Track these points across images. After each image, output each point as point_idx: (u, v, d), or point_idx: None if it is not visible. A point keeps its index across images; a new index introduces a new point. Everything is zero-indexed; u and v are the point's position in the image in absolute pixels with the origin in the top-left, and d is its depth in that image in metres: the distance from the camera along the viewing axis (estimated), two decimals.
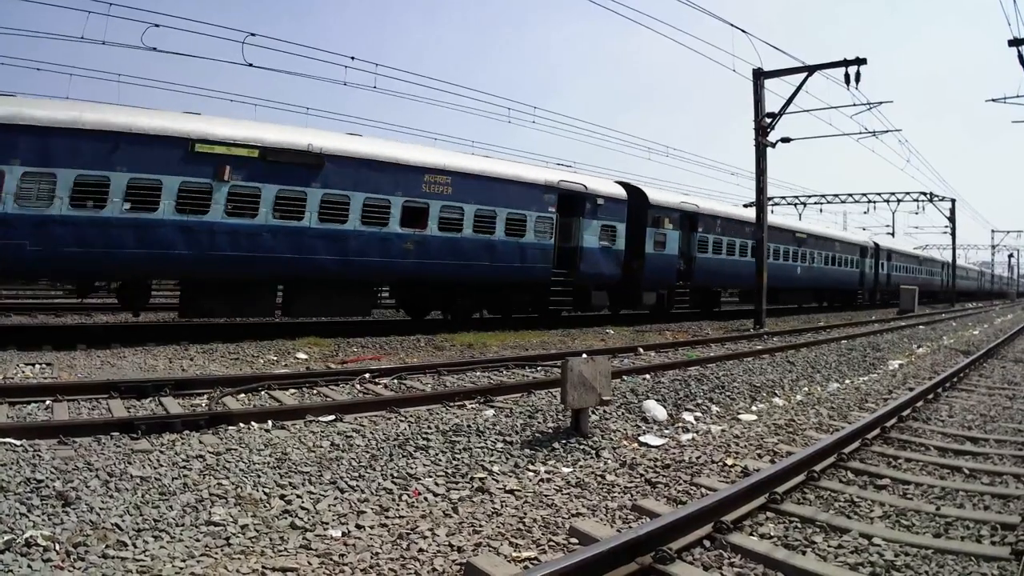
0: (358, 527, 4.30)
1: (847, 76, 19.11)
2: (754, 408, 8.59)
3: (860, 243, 38.66)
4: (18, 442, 5.56)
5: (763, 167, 21.37)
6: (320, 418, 7.01)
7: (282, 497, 4.74)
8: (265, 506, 4.59)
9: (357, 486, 5.06)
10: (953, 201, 47.05)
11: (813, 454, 5.56)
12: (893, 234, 51.91)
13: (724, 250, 24.85)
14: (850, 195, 45.81)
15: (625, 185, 21.51)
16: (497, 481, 5.34)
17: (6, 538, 3.71)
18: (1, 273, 12.36)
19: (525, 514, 4.56)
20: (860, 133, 24.09)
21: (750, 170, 21.98)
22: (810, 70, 19.89)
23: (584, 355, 8.66)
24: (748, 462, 5.93)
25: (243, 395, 8.16)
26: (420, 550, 3.92)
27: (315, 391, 8.69)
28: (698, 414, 7.97)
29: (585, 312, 20.61)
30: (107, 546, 3.79)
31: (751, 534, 4.26)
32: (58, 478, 4.73)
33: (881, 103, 21.47)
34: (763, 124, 21.01)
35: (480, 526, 4.34)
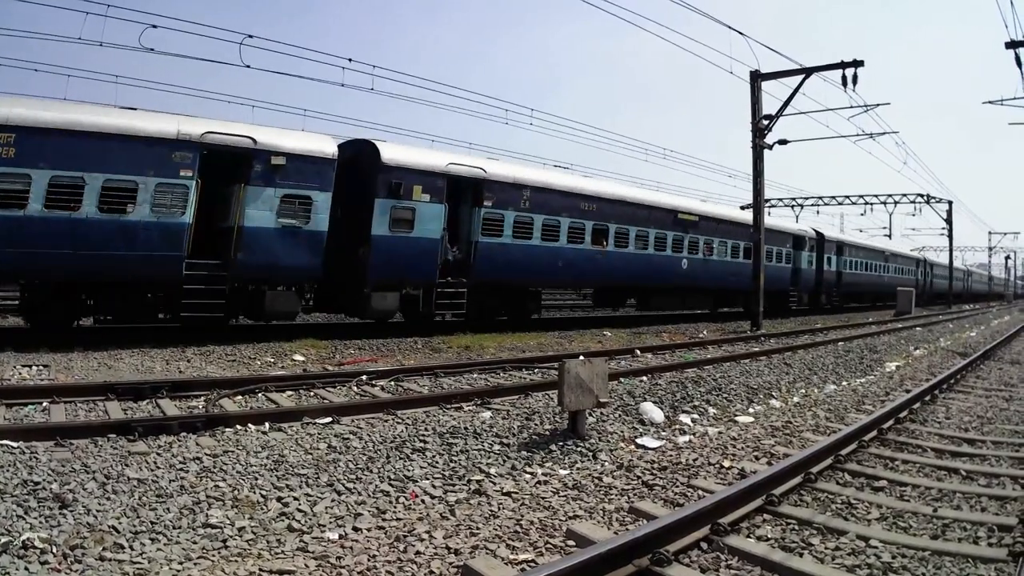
0: (355, 529, 4.30)
1: (844, 78, 19.20)
2: (751, 410, 8.60)
3: (794, 232, 31.27)
4: (15, 444, 5.55)
5: (760, 169, 21.43)
6: (317, 420, 7.00)
7: (279, 499, 4.73)
8: (262, 508, 4.59)
9: (354, 488, 5.06)
10: (950, 203, 47.15)
11: (810, 456, 5.56)
12: (890, 236, 51.98)
13: (537, 234, 17.93)
14: (847, 197, 45.90)
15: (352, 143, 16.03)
16: (494, 483, 5.34)
17: (3, 540, 3.71)
18: None
19: (522, 516, 4.56)
20: (857, 135, 24.19)
21: (747, 172, 22.01)
22: (807, 72, 19.94)
23: (581, 357, 8.67)
24: (745, 464, 5.93)
25: (240, 397, 8.15)
26: (417, 552, 3.92)
27: (312, 393, 8.69)
28: (695, 416, 7.98)
29: (260, 321, 14.63)
30: (104, 548, 3.78)
31: (748, 536, 4.26)
32: (55, 480, 4.73)
33: (878, 105, 21.56)
34: (760, 126, 21.06)
35: (477, 528, 4.34)
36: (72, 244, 11.36)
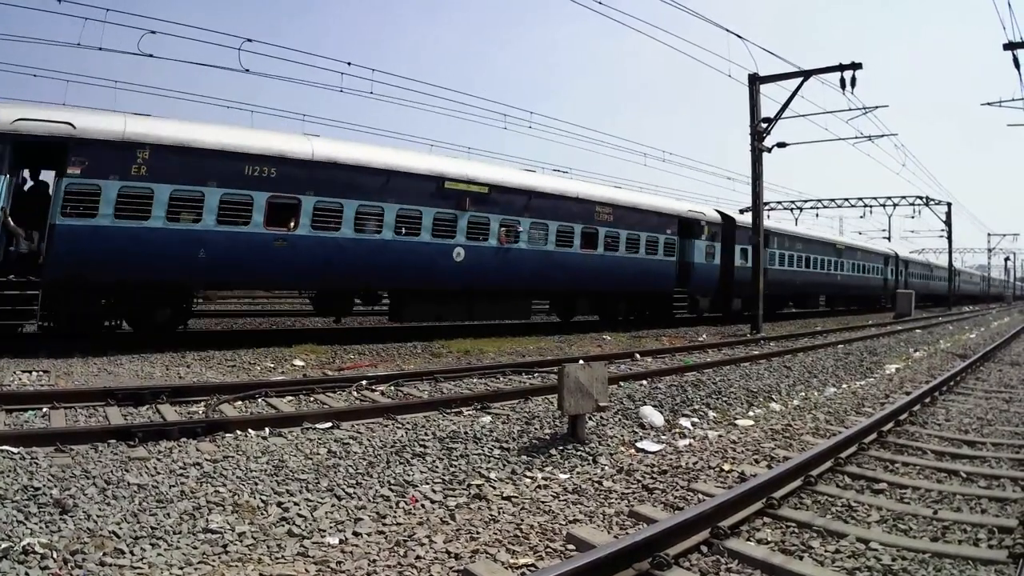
0: (355, 534, 4.30)
1: (843, 81, 19.26)
2: (751, 413, 8.61)
3: (680, 214, 23.16)
4: (15, 449, 5.56)
5: (759, 172, 21.46)
6: (317, 425, 7.00)
7: (279, 504, 4.73)
8: (262, 513, 4.59)
9: (354, 493, 5.06)
10: (949, 205, 47.19)
11: (810, 459, 5.57)
12: (889, 238, 51.86)
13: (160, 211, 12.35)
14: (846, 199, 45.94)
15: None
16: (494, 488, 5.34)
17: (3, 546, 3.71)
18: None
19: (522, 521, 4.56)
20: (856, 137, 24.23)
21: (746, 174, 22.02)
22: (806, 75, 19.99)
23: (581, 361, 8.68)
24: (745, 467, 5.93)
25: (240, 402, 8.15)
26: (417, 557, 3.92)
27: (312, 398, 8.69)
28: (695, 419, 7.98)
29: None
30: (104, 554, 3.78)
31: (748, 539, 4.26)
32: (55, 486, 4.73)
33: (877, 107, 21.60)
34: (759, 129, 21.10)
35: (477, 533, 4.34)
36: None
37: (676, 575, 3.65)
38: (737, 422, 8.02)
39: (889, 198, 44.86)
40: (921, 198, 44.06)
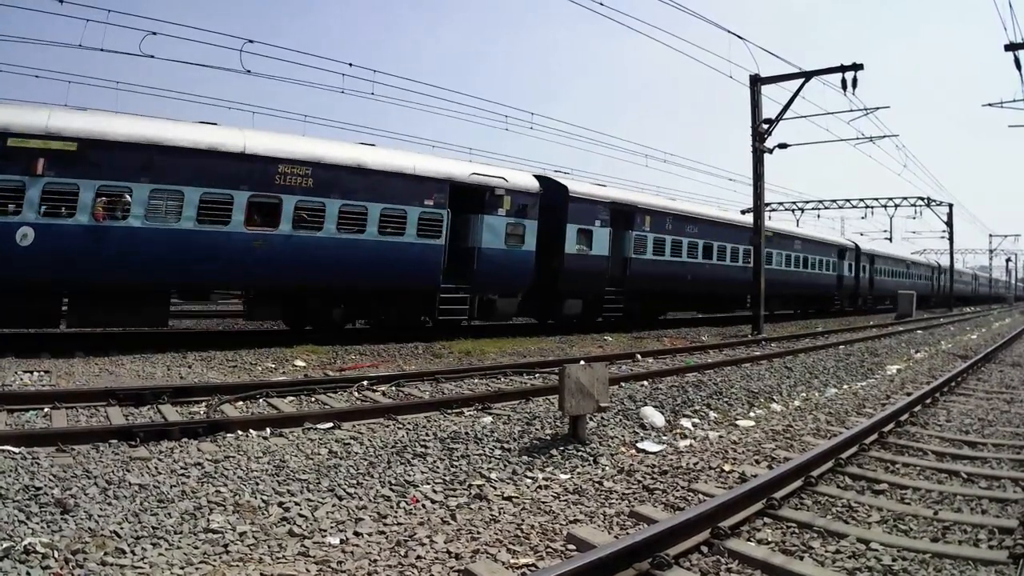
0: (356, 534, 4.31)
1: (844, 82, 19.26)
2: (752, 414, 8.61)
3: (431, 174, 15.81)
4: (17, 449, 5.57)
5: (760, 173, 21.45)
6: (318, 425, 7.01)
7: (280, 504, 4.74)
8: (263, 513, 4.59)
9: (355, 493, 5.06)
10: (951, 206, 47.13)
11: (811, 459, 5.57)
12: (891, 239, 51.67)
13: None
14: (847, 200, 45.85)
15: None
16: (495, 488, 5.34)
17: (5, 545, 3.72)
18: None
19: (523, 521, 4.57)
20: (857, 138, 24.19)
21: (748, 176, 22.01)
22: (807, 76, 19.98)
23: (582, 362, 8.69)
24: (746, 468, 5.93)
25: (241, 403, 8.16)
26: (418, 557, 3.92)
27: (313, 399, 8.70)
28: (696, 420, 7.98)
29: None
30: (106, 553, 3.79)
31: (749, 540, 4.27)
32: (56, 485, 4.74)
33: (878, 108, 21.58)
34: (760, 130, 21.10)
35: (478, 533, 4.35)
36: None
37: (676, 575, 3.66)
38: (738, 423, 8.02)
39: (890, 199, 44.75)
40: (922, 199, 43.97)
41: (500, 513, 4.75)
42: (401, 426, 7.21)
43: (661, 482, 5.50)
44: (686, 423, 7.78)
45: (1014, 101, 19.87)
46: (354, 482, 5.29)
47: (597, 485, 5.42)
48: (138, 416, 7.37)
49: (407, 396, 9.13)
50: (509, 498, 5.10)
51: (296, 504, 4.76)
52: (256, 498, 4.83)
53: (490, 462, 5.97)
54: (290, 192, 13.51)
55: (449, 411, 8.02)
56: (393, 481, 5.36)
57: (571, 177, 21.27)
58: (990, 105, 20.73)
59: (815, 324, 27.59)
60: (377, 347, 14.11)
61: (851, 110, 21.13)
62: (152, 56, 15.70)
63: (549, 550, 4.10)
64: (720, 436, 7.30)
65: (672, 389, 9.54)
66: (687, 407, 8.51)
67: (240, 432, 6.62)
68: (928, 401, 9.07)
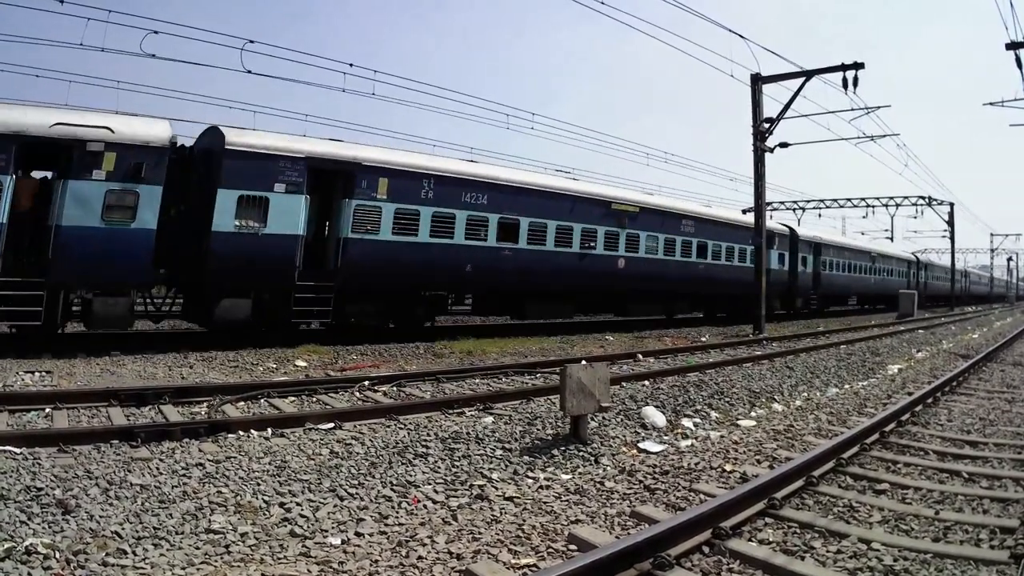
0: (357, 534, 4.31)
1: (845, 81, 19.23)
2: (753, 414, 8.60)
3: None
4: (18, 450, 5.57)
5: (761, 172, 21.43)
6: (319, 426, 7.01)
7: (281, 505, 4.74)
8: (265, 514, 4.60)
9: (356, 494, 5.06)
10: (952, 205, 47.08)
11: (812, 459, 5.57)
12: (891, 238, 51.49)
13: None
14: (848, 199, 45.79)
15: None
16: (496, 488, 5.34)
17: (6, 546, 3.72)
18: None
19: (524, 521, 4.57)
20: (858, 138, 24.15)
21: (749, 175, 21.99)
22: (808, 75, 19.96)
23: (583, 362, 8.68)
24: (747, 468, 5.93)
25: (242, 403, 8.16)
26: (419, 557, 3.93)
27: (314, 399, 8.70)
28: (697, 420, 7.98)
29: None
30: (107, 554, 3.80)
31: (750, 540, 4.27)
32: (58, 486, 4.74)
33: (879, 108, 21.54)
34: (761, 129, 21.08)
35: (479, 533, 4.35)
36: None
37: (678, 575, 3.66)
38: (739, 423, 8.02)
39: (892, 198, 44.70)
40: (924, 198, 43.92)
41: (501, 513, 4.75)
42: (402, 426, 7.21)
43: (662, 482, 5.50)
44: (687, 423, 7.78)
45: (1015, 100, 19.85)
46: (355, 482, 5.29)
47: (598, 485, 5.42)
48: (139, 416, 7.37)
49: (408, 396, 9.13)
50: (510, 498, 5.10)
51: (297, 504, 4.76)
52: (257, 498, 4.83)
53: (491, 462, 5.97)
54: None
55: (450, 411, 8.01)
56: (394, 481, 5.36)
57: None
58: (991, 104, 20.71)
59: (815, 324, 27.56)
60: (378, 347, 14.11)
61: (852, 109, 21.12)
62: (153, 55, 15.66)
63: (550, 550, 4.10)
64: (721, 436, 7.29)
65: (673, 389, 9.53)
66: (688, 407, 8.50)
67: (241, 432, 6.62)
68: (929, 401, 9.06)
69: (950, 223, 47.65)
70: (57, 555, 3.72)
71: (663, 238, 22.06)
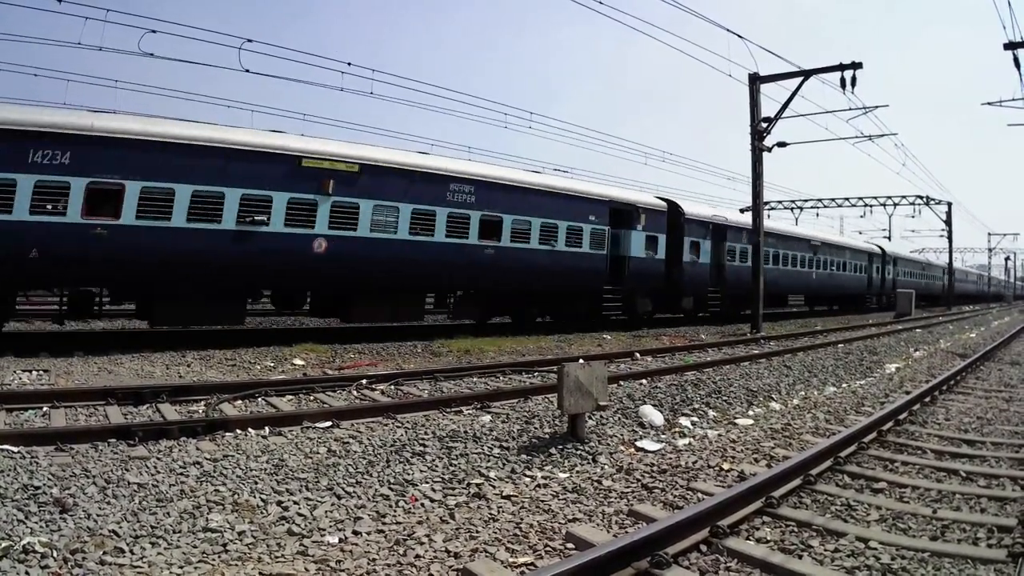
0: (355, 533, 4.31)
1: (843, 80, 19.23)
2: (751, 412, 8.61)
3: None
4: (15, 449, 5.57)
5: (759, 171, 21.45)
6: (317, 424, 7.01)
7: (279, 503, 4.74)
8: (262, 512, 4.59)
9: (354, 492, 5.06)
10: (949, 204, 47.17)
11: (809, 458, 5.57)
12: (890, 238, 51.54)
13: None
14: (846, 199, 45.84)
15: None
16: (494, 487, 5.34)
17: (3, 545, 3.71)
18: None
19: (522, 520, 4.57)
20: (856, 137, 24.16)
21: (747, 174, 21.99)
22: (806, 75, 19.97)
23: (580, 361, 8.68)
24: (745, 466, 5.93)
25: (240, 401, 8.16)
26: (417, 556, 3.92)
27: (312, 397, 8.70)
28: (695, 419, 7.98)
29: None
30: (104, 553, 3.79)
31: (748, 538, 4.27)
32: (55, 485, 4.73)
33: (877, 107, 21.54)
34: (759, 129, 21.09)
35: (477, 532, 4.35)
36: None
37: (675, 574, 3.66)
38: (737, 421, 8.02)
39: (889, 197, 44.76)
40: (921, 198, 43.98)
41: (499, 512, 4.75)
42: (400, 425, 7.21)
43: (660, 481, 5.50)
44: (685, 421, 7.78)
45: (1013, 100, 19.88)
46: (353, 481, 5.29)
47: (596, 484, 5.42)
48: (137, 415, 7.36)
49: (406, 395, 9.13)
50: (508, 497, 5.10)
51: (295, 503, 4.76)
52: (255, 497, 4.82)
53: (489, 461, 5.97)
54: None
55: (448, 410, 8.02)
56: (392, 480, 5.36)
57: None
58: (989, 104, 20.73)
59: (814, 323, 27.59)
60: (376, 346, 14.11)
61: (850, 108, 21.10)
62: (151, 54, 15.64)
63: (548, 549, 4.09)
64: (719, 435, 7.30)
65: (671, 388, 9.54)
66: (686, 405, 8.51)
67: (239, 431, 6.62)
68: (927, 399, 9.07)
69: (948, 222, 47.75)
70: (55, 554, 3.71)
71: (407, 209, 15.51)
